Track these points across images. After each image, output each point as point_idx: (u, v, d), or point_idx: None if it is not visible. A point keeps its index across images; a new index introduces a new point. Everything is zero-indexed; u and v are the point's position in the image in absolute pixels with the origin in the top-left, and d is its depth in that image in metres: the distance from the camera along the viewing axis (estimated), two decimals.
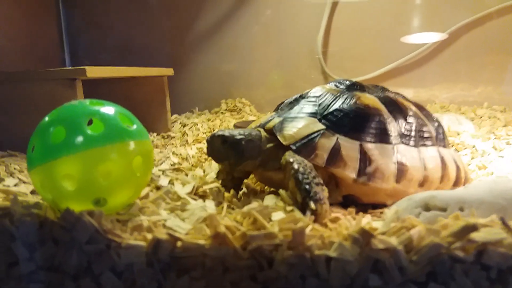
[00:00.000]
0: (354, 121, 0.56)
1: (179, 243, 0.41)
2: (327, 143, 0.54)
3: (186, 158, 0.89)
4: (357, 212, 0.52)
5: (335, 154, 0.53)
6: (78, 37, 1.69)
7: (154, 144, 1.12)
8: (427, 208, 0.47)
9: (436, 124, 0.65)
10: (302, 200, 0.47)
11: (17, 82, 0.87)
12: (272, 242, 0.40)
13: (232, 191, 0.60)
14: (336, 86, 0.63)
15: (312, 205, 0.46)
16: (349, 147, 0.54)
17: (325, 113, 0.57)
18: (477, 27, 1.39)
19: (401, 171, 0.54)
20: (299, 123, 0.57)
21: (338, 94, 0.60)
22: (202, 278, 0.41)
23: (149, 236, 0.43)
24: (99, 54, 1.69)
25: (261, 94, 1.61)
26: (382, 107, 0.58)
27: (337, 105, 0.58)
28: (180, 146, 1.08)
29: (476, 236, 0.37)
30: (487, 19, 1.38)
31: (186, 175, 0.71)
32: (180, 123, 1.34)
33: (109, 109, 0.48)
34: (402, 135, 0.58)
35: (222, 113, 1.51)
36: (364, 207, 0.55)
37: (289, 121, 0.58)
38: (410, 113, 0.61)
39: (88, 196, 0.45)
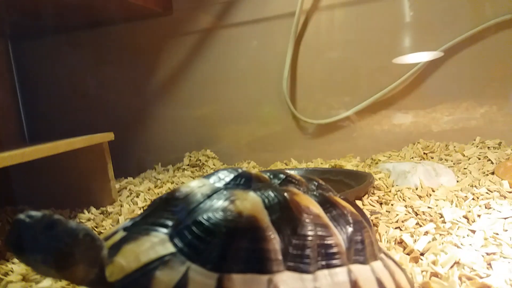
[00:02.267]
0: (215, 241, 0.39)
1: None
2: (168, 279, 0.37)
3: None
4: None
5: None
6: (32, 99, 1.61)
7: (91, 223, 0.98)
8: None
9: (350, 230, 0.46)
10: None
11: None
12: None
13: None
14: (214, 180, 0.47)
15: None
16: (202, 284, 0.37)
17: (181, 226, 0.41)
18: (476, 42, 1.21)
19: None
20: (141, 243, 0.40)
21: (210, 194, 0.44)
22: None
23: None
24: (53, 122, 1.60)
25: (227, 144, 1.47)
26: (261, 216, 0.41)
27: (199, 214, 0.41)
28: (112, 226, 0.94)
29: None
30: (485, 33, 1.19)
31: None
32: (128, 190, 1.20)
33: None
34: (289, 257, 0.41)
35: (184, 169, 1.37)
36: None
37: (129, 241, 0.41)
38: (307, 219, 0.43)
39: None
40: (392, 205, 0.82)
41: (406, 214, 0.77)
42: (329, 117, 1.34)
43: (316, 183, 0.52)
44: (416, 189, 0.91)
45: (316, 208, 0.46)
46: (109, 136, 1.14)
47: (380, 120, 1.33)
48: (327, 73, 1.34)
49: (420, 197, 0.86)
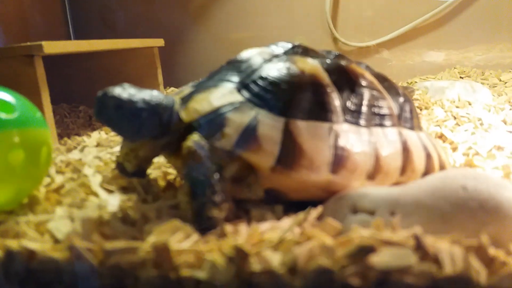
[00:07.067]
0: (281, 92, 0.44)
1: (34, 256, 0.35)
2: (240, 119, 0.42)
3: None
4: (285, 212, 0.43)
5: (249, 133, 0.41)
6: (79, 10, 1.64)
7: None
8: (355, 209, 0.38)
9: (401, 99, 0.52)
10: (194, 205, 0.39)
11: None
12: (133, 258, 0.32)
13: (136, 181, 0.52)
14: (272, 49, 0.51)
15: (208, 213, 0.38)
16: (270, 125, 0.42)
17: (247, 81, 0.46)
18: None
19: (340, 158, 0.42)
20: (211, 93, 0.45)
21: (270, 58, 0.48)
22: None
23: (12, 244, 0.37)
24: (98, 27, 1.63)
25: None
26: (322, 75, 0.46)
27: (263, 71, 0.46)
28: None
29: (376, 260, 0.28)
30: None
31: None
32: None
33: None
34: (347, 111, 0.46)
35: None
36: (300, 206, 0.44)
37: (199, 92, 0.46)
38: (363, 83, 0.48)
39: None
40: (432, 109, 0.87)
41: (445, 117, 0.82)
42: (367, 42, 1.37)
43: (365, 65, 0.57)
44: (454, 101, 0.95)
45: (370, 76, 0.51)
46: (159, 42, 1.19)
47: (415, 51, 1.36)
48: None
49: (458, 107, 0.91)
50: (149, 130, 0.44)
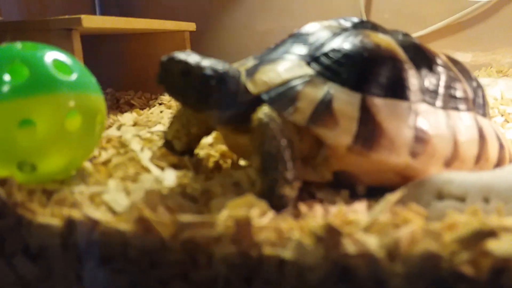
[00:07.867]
0: (356, 66, 0.40)
1: (98, 227, 0.32)
2: (313, 93, 0.39)
3: None
4: (351, 197, 0.40)
5: (324, 108, 0.38)
6: None
7: (168, 104, 1.03)
8: (440, 195, 0.35)
9: (474, 84, 0.49)
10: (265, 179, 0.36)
11: (12, 32, 0.81)
12: (210, 233, 0.30)
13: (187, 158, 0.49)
14: (340, 22, 0.47)
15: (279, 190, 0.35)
16: (345, 101, 0.39)
17: (317, 54, 0.42)
18: None
19: (420, 141, 0.39)
20: (279, 65, 0.42)
21: (339, 32, 0.44)
22: (125, 271, 0.32)
23: (73, 213, 0.34)
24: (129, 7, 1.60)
25: None
26: (398, 50, 0.43)
27: (335, 44, 0.42)
28: None
29: (494, 246, 0.25)
30: None
31: None
32: None
33: (40, 54, 0.39)
34: (425, 91, 0.42)
35: None
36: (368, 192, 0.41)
37: (266, 64, 0.43)
38: (439, 62, 0.45)
39: (10, 159, 0.38)
40: None
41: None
42: None
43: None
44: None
45: (444, 57, 0.48)
46: (191, 26, 1.16)
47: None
48: None
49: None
50: (216, 99, 0.41)
